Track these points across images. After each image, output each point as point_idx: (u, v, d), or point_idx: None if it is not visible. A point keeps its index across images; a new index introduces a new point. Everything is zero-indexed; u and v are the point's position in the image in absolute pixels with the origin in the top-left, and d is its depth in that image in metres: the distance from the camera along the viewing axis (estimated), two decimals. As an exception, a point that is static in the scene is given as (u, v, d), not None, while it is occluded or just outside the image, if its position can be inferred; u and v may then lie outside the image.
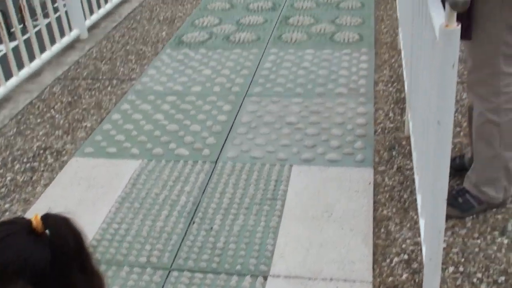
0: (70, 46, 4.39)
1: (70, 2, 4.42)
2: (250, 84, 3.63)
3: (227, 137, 3.08)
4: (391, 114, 3.18)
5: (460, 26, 1.55)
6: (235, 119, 3.24)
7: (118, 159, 2.97)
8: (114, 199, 2.66)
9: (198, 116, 3.30)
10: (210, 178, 2.75)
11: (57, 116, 3.46)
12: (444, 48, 1.56)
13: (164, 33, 4.57)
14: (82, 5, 4.52)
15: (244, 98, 3.46)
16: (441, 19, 1.60)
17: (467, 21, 2.03)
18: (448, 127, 1.63)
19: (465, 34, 1.88)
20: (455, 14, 1.54)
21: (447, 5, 1.55)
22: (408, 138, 2.88)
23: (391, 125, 3.08)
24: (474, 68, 2.21)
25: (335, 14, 4.66)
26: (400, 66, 3.70)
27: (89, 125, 3.32)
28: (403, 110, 3.19)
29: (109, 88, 3.74)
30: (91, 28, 4.72)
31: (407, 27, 2.88)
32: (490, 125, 2.23)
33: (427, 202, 1.91)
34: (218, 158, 2.91)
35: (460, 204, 2.38)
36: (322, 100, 3.36)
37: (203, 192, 2.65)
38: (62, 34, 4.35)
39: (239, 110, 3.33)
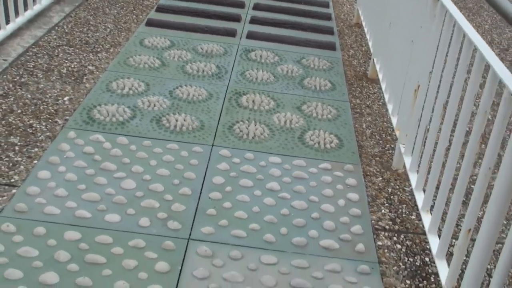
0: None
1: None
2: (194, 219, 2.44)
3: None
4: (411, 304, 2.13)
5: None
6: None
7: None
8: None
9: (114, 284, 2.06)
10: None
11: None
12: None
13: (66, 98, 3.25)
14: None
15: (187, 247, 2.26)
16: None
17: None
18: None
19: None
20: None
21: None
22: None
23: (417, 330, 2.03)
24: None
25: (300, 97, 3.58)
26: (402, 202, 2.69)
27: None
28: (426, 296, 2.15)
29: (-29, 201, 2.40)
30: (-41, 77, 3.32)
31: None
32: None
33: None
34: None
35: None
36: (306, 262, 2.25)
37: None
38: None
39: (180, 274, 2.13)
